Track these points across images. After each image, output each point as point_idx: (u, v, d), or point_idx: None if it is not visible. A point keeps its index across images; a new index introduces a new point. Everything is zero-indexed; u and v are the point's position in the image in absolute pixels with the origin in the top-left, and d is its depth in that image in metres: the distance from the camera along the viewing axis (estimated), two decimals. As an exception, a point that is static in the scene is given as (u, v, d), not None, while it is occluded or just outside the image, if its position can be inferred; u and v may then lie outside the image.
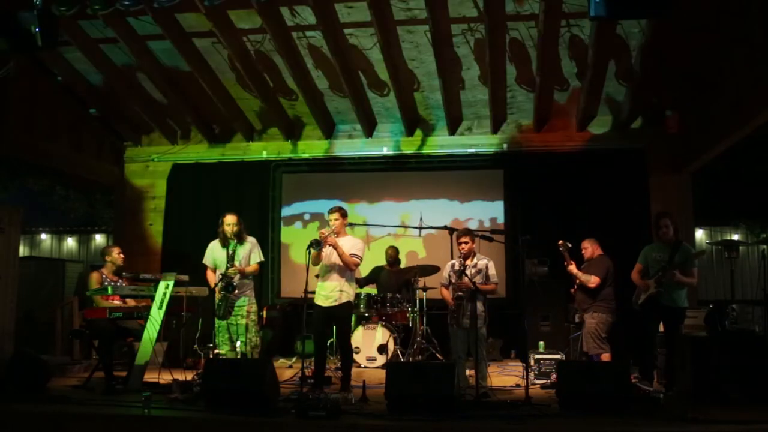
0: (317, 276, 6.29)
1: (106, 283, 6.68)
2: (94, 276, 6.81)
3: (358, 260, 6.22)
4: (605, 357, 6.57)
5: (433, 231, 8.96)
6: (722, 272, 11.88)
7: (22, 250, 13.46)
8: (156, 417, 4.99)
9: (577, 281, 6.86)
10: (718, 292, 11.70)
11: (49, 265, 11.37)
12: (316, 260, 6.16)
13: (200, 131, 9.71)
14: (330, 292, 6.18)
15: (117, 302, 6.67)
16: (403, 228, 9.17)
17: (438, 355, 7.71)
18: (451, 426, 4.79)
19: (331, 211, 6.30)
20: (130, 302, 6.76)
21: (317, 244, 6.00)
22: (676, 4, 5.11)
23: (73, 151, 9.30)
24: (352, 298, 6.35)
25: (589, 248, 7.01)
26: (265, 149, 9.77)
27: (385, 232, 9.35)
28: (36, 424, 4.99)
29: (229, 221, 6.55)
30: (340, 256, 6.11)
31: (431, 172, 9.54)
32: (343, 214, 6.29)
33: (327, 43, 7.65)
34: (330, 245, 6.11)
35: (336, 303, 6.16)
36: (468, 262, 6.26)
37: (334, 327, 6.57)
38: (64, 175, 12.96)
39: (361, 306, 7.90)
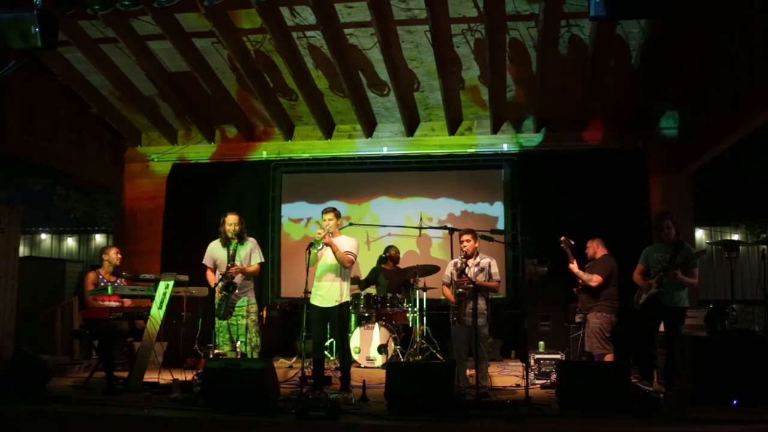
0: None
1: (102, 284, 6.67)
2: (90, 276, 6.81)
3: (352, 257, 6.24)
4: (608, 357, 6.57)
5: (432, 231, 9.03)
6: (722, 272, 11.87)
7: (22, 250, 13.47)
8: (156, 417, 4.99)
9: (580, 281, 6.87)
10: (718, 292, 11.71)
11: (49, 265, 11.37)
12: (314, 260, 6.17)
13: (200, 131, 9.71)
14: (326, 292, 6.19)
15: (115, 302, 6.67)
16: (403, 228, 9.17)
17: (438, 355, 7.71)
18: (451, 426, 4.80)
19: (325, 212, 6.32)
20: (127, 302, 6.76)
21: (316, 244, 6.02)
22: (675, 4, 5.11)
23: (73, 151, 9.28)
24: (349, 298, 6.37)
25: (591, 248, 7.03)
26: (265, 149, 9.76)
27: (385, 232, 9.34)
28: (36, 424, 4.99)
29: (231, 221, 6.54)
30: (335, 254, 6.13)
31: (431, 172, 9.53)
32: (337, 214, 6.34)
33: (327, 43, 7.66)
34: (326, 245, 6.13)
35: (333, 303, 6.17)
36: (470, 261, 6.27)
37: (332, 327, 6.56)
38: (64, 175, 12.94)
39: (361, 306, 7.89)
